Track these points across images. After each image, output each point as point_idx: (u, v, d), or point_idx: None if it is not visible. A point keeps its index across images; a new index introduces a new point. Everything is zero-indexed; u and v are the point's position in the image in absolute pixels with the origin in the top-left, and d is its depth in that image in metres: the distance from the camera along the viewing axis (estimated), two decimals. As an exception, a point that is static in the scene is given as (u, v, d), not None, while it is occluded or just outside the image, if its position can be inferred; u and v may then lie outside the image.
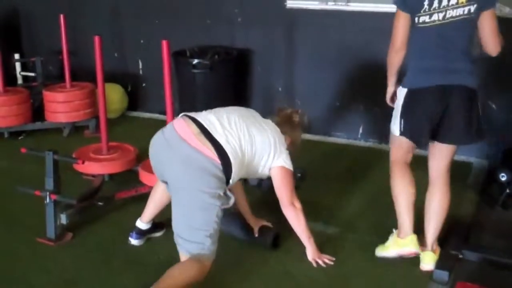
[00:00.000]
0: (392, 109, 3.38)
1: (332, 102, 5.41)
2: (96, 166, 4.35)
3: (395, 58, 3.23)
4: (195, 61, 5.29)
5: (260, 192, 4.21)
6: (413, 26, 3.12)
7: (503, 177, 4.03)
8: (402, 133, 3.27)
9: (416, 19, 3.08)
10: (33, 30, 6.85)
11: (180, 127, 3.04)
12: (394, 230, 3.45)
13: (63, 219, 3.66)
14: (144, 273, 3.25)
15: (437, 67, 3.13)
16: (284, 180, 3.25)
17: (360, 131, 5.38)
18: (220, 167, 2.93)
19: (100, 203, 3.91)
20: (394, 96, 3.41)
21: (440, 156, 3.33)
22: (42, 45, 6.71)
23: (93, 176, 4.31)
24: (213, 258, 2.92)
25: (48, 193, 3.55)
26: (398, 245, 3.37)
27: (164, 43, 3.82)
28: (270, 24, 5.48)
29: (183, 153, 2.96)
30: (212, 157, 2.92)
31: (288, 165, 3.25)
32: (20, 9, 6.86)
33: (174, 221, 2.97)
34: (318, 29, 5.32)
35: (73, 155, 4.33)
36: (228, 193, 3.02)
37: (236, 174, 3.01)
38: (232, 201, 3.06)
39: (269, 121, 3.34)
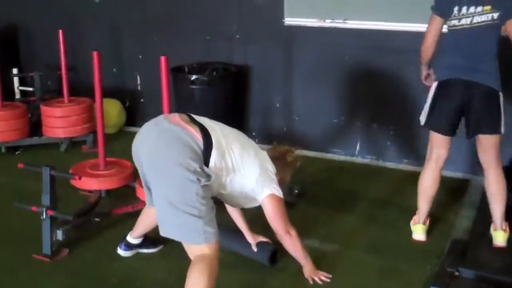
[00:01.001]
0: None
1: (329, 118, 5.42)
2: (93, 182, 4.33)
3: (425, 52, 3.73)
4: (194, 77, 5.30)
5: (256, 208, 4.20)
6: (447, 29, 3.59)
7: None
8: (426, 123, 3.71)
9: (448, 22, 3.54)
10: (32, 45, 6.87)
11: (169, 115, 3.10)
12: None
13: (59, 235, 3.65)
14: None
15: (464, 65, 3.52)
16: (276, 210, 3.17)
17: (358, 147, 5.38)
18: (201, 145, 2.85)
19: (96, 219, 3.91)
20: (427, 77, 3.89)
21: (482, 148, 3.67)
22: (40, 60, 6.73)
23: (90, 191, 4.31)
24: (214, 241, 2.79)
25: (44, 208, 3.54)
26: (412, 230, 3.88)
27: (163, 58, 3.83)
28: (269, 41, 5.50)
29: (163, 127, 2.93)
30: (194, 133, 2.88)
31: (279, 192, 3.18)
32: (18, 24, 6.88)
33: (160, 216, 2.88)
34: (316, 46, 5.34)
35: (70, 171, 4.32)
36: (207, 169, 2.85)
37: (215, 160, 2.88)
38: (213, 178, 2.86)
39: (264, 152, 3.34)
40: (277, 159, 3.38)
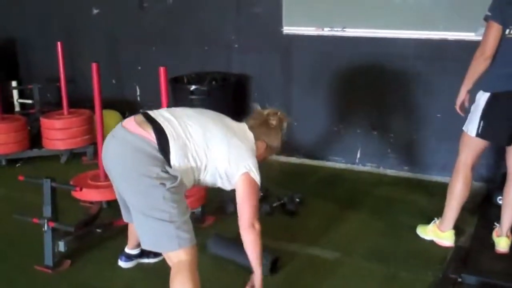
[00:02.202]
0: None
1: (329, 126, 5.43)
2: (94, 193, 4.33)
3: (481, 66, 3.45)
4: (193, 87, 5.30)
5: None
6: (502, 37, 3.36)
7: (500, 200, 4.03)
8: (479, 134, 3.55)
9: (507, 30, 3.33)
10: (31, 57, 6.88)
11: (126, 121, 2.92)
12: (436, 219, 3.96)
13: (61, 246, 3.65)
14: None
15: None
16: (248, 193, 2.91)
17: (358, 155, 5.38)
18: (156, 146, 2.73)
19: (98, 230, 3.90)
20: (463, 103, 3.66)
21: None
22: (39, 72, 6.74)
23: (91, 203, 4.30)
24: (189, 246, 2.72)
25: (46, 220, 3.54)
26: (437, 235, 3.89)
27: (162, 69, 3.83)
28: (267, 50, 5.51)
29: (118, 138, 2.84)
30: (146, 136, 2.75)
31: (255, 174, 2.92)
32: (17, 37, 6.90)
33: (137, 229, 2.84)
34: (315, 55, 5.35)
35: (71, 182, 4.32)
36: (171, 170, 2.73)
37: (176, 157, 2.75)
38: (178, 178, 2.74)
39: (241, 125, 3.16)
40: (260, 127, 3.17)
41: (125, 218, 3.25)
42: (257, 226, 2.97)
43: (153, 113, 2.91)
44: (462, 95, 3.62)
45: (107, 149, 2.89)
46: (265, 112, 3.23)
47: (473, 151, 3.68)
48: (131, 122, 2.86)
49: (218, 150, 2.88)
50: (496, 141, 3.64)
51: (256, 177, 2.93)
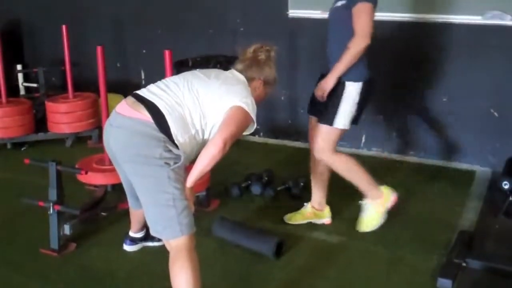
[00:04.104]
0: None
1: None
2: (99, 177, 4.33)
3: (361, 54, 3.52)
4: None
5: (263, 200, 4.22)
6: None
7: (506, 185, 4.03)
8: (348, 125, 3.57)
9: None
10: (36, 41, 6.88)
11: (119, 106, 2.89)
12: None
13: (67, 229, 3.66)
14: (150, 284, 3.26)
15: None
16: (237, 119, 2.77)
17: (363, 140, 5.38)
18: (154, 125, 2.69)
19: (103, 214, 3.92)
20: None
21: None
22: (44, 55, 6.74)
23: (96, 186, 4.31)
24: (190, 233, 2.70)
25: (51, 203, 3.56)
26: (383, 205, 3.82)
27: (167, 52, 3.82)
28: (273, 33, 5.48)
29: (116, 125, 2.81)
30: (143, 118, 2.70)
31: (249, 108, 2.79)
32: (22, 20, 6.90)
33: (145, 215, 2.83)
34: (320, 38, 5.30)
35: (76, 166, 4.33)
36: (175, 150, 2.70)
37: (178, 130, 2.71)
38: (182, 158, 2.71)
39: (230, 72, 3.08)
40: (250, 67, 3.08)
41: (131, 204, 3.27)
42: (227, 148, 2.72)
43: (142, 92, 2.87)
44: (333, 83, 3.53)
45: (108, 138, 2.87)
46: (251, 49, 3.15)
47: (338, 139, 3.66)
48: (123, 106, 2.83)
49: (213, 106, 2.80)
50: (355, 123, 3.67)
51: (251, 112, 2.81)
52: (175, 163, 2.69)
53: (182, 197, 2.70)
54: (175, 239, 2.70)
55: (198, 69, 3.09)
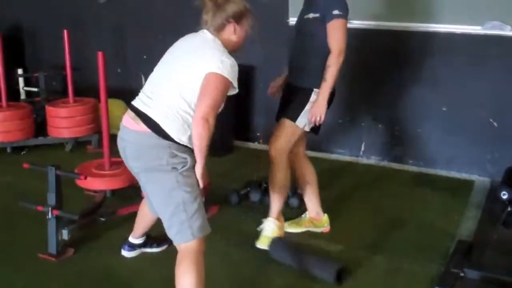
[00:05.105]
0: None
1: (334, 119, 5.41)
2: (98, 182, 4.34)
3: None
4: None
5: (262, 207, 4.23)
6: None
7: (504, 195, 4.03)
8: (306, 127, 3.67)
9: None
10: (37, 45, 6.89)
11: (124, 118, 2.93)
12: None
13: (65, 234, 3.65)
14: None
15: None
16: (214, 87, 2.66)
17: (362, 148, 5.38)
18: (155, 135, 2.71)
19: (102, 219, 3.92)
20: None
21: None
22: (45, 60, 6.75)
23: (95, 191, 4.31)
24: (203, 235, 2.73)
25: (50, 208, 3.55)
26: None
27: (167, 59, 3.81)
28: (273, 40, 5.49)
29: (125, 138, 2.88)
30: (144, 130, 2.74)
31: (218, 68, 2.68)
32: (24, 25, 6.91)
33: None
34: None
35: (76, 171, 4.33)
36: (180, 153, 2.72)
37: (178, 131, 2.71)
38: (189, 160, 2.73)
39: (199, 35, 3.08)
40: (214, 16, 3.04)
41: (151, 209, 3.26)
42: (211, 121, 2.63)
43: (136, 103, 2.89)
44: (325, 106, 3.62)
45: (123, 152, 2.94)
46: None
47: (295, 140, 3.73)
48: (127, 120, 2.88)
49: (191, 88, 2.72)
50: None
51: (225, 73, 2.69)
52: (183, 166, 2.73)
53: (193, 199, 2.72)
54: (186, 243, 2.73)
55: (172, 49, 3.14)
